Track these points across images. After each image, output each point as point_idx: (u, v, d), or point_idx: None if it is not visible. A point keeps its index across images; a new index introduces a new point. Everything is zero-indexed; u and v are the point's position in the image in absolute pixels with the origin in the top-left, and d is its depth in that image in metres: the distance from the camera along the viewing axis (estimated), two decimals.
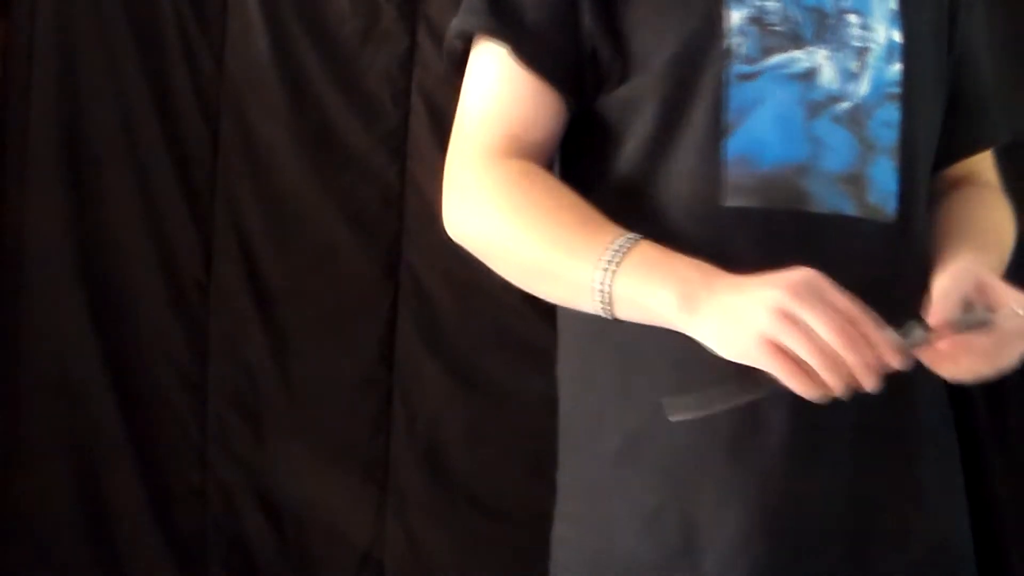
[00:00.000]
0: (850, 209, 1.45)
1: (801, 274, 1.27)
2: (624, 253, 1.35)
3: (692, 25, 1.46)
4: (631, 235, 1.36)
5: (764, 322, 1.25)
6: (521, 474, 2.95)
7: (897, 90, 1.48)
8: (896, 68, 1.48)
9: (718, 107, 1.44)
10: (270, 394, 3.03)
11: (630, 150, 1.49)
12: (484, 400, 2.98)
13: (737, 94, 1.45)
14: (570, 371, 1.57)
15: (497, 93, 1.52)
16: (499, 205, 1.47)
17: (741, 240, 1.43)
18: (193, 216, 3.03)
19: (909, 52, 1.49)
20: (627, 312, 1.36)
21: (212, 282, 3.05)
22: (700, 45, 1.46)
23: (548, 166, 1.52)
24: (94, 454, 3.03)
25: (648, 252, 1.35)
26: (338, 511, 3.01)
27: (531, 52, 1.50)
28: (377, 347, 3.01)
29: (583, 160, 1.53)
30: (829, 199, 1.45)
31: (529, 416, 2.98)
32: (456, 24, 1.56)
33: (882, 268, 1.45)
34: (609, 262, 1.35)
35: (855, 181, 1.46)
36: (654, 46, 1.47)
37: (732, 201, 1.44)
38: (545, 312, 3.12)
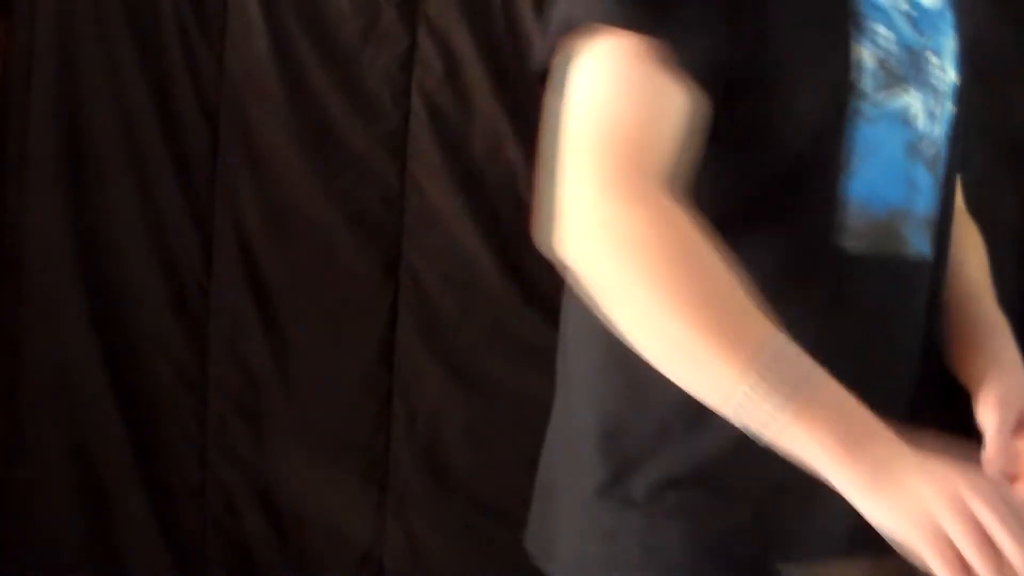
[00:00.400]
0: (928, 252, 1.45)
1: (982, 476, 1.23)
2: (784, 369, 1.23)
3: (825, 58, 1.40)
4: (789, 346, 1.24)
5: (940, 511, 1.19)
6: (521, 474, 2.95)
7: (950, 131, 1.47)
8: (950, 109, 1.47)
9: (842, 146, 1.39)
10: (270, 394, 3.03)
11: (748, 175, 1.41)
12: (484, 400, 2.98)
13: (861, 135, 1.40)
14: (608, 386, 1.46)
15: (639, 97, 1.34)
16: (642, 258, 1.28)
17: (854, 283, 1.41)
18: (193, 216, 3.03)
19: (961, 93, 1.48)
20: (768, 432, 1.23)
21: (212, 282, 3.05)
22: (831, 81, 1.41)
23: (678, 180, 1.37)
24: (94, 454, 3.03)
25: (814, 380, 1.23)
26: (338, 511, 3.01)
27: (687, 53, 1.34)
28: (377, 347, 3.01)
29: (711, 186, 1.41)
30: (918, 243, 1.44)
31: (529, 416, 2.98)
32: (575, 13, 1.36)
33: (925, 307, 1.46)
34: (763, 378, 1.22)
35: (933, 224, 1.45)
36: (787, 71, 1.39)
37: (848, 242, 1.40)
38: (545, 312, 3.13)
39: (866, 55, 1.40)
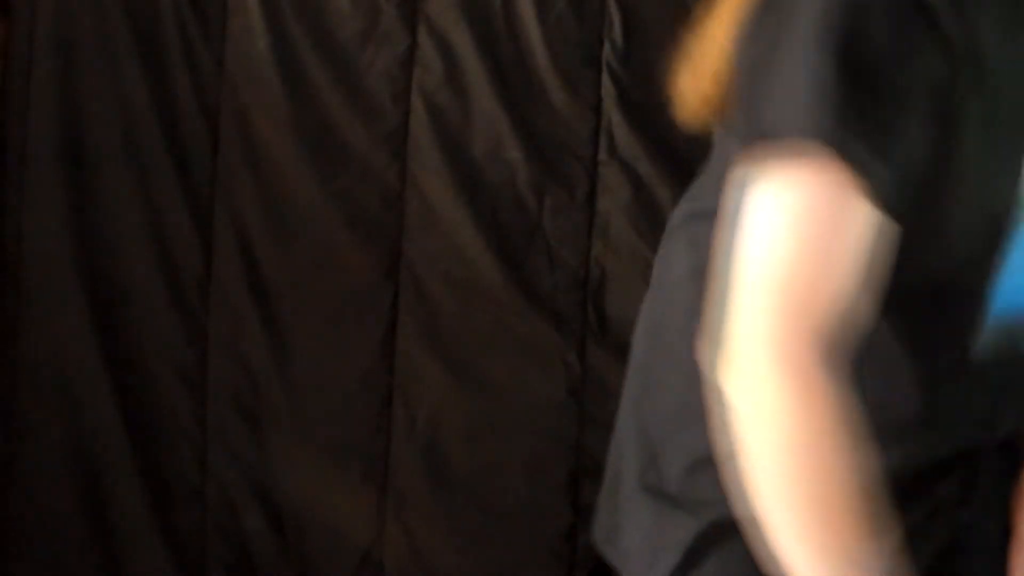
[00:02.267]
0: None
1: None
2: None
3: (1000, 170, 1.32)
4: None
5: None
6: (521, 474, 2.95)
7: None
8: None
9: (997, 255, 1.32)
10: (270, 394, 3.03)
11: (913, 279, 1.31)
12: (484, 400, 2.98)
13: (1018, 243, 1.33)
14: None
15: (824, 234, 1.22)
16: (785, 475, 1.25)
17: (974, 387, 1.36)
18: (193, 216, 3.03)
19: None
20: None
21: (212, 282, 3.05)
22: (1002, 192, 1.33)
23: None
24: (94, 454, 3.03)
25: None
26: (338, 511, 3.01)
27: (887, 185, 1.21)
28: (377, 347, 3.01)
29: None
30: None
31: (529, 416, 2.98)
32: (779, 122, 1.23)
33: None
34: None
35: None
36: (967, 181, 1.30)
37: (978, 350, 1.34)
38: (545, 312, 3.13)
39: None
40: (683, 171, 2.39)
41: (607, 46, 2.95)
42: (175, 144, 3.03)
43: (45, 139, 3.01)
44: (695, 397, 1.35)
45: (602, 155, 2.97)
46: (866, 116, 1.20)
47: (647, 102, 2.85)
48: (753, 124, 1.25)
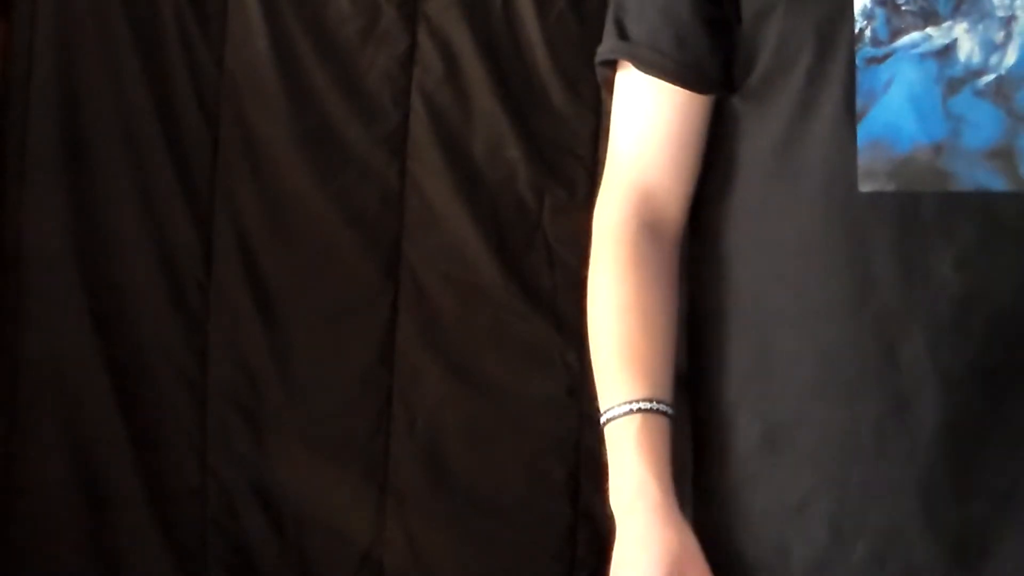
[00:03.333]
0: (999, 185, 1.42)
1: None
2: (610, 419, 1.46)
3: (821, 12, 1.45)
4: (636, 404, 1.45)
5: None
6: (521, 474, 2.95)
7: None
8: None
9: (849, 93, 1.43)
10: (270, 394, 3.03)
11: (763, 143, 1.48)
12: (484, 400, 2.98)
13: (867, 78, 1.43)
14: (704, 363, 1.55)
15: (630, 114, 1.53)
16: (601, 296, 1.52)
17: (879, 226, 1.42)
18: (193, 216, 3.03)
19: None
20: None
21: (212, 282, 3.05)
22: (829, 31, 1.44)
23: (696, 170, 1.53)
24: (94, 454, 3.03)
25: (613, 435, 1.45)
26: (338, 511, 3.01)
27: (655, 60, 1.51)
28: (377, 347, 3.01)
29: (715, 156, 1.53)
30: (972, 176, 1.42)
31: (529, 416, 2.98)
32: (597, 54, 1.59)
33: None
34: (605, 415, 1.47)
35: (1005, 155, 1.43)
36: (785, 35, 1.46)
37: (867, 186, 1.42)
38: (545, 312, 3.12)
39: (868, 1, 1.43)
40: None
41: None
42: (175, 144, 3.03)
43: (45, 139, 3.01)
44: None
45: (602, 155, 2.97)
46: (620, 22, 1.53)
47: None
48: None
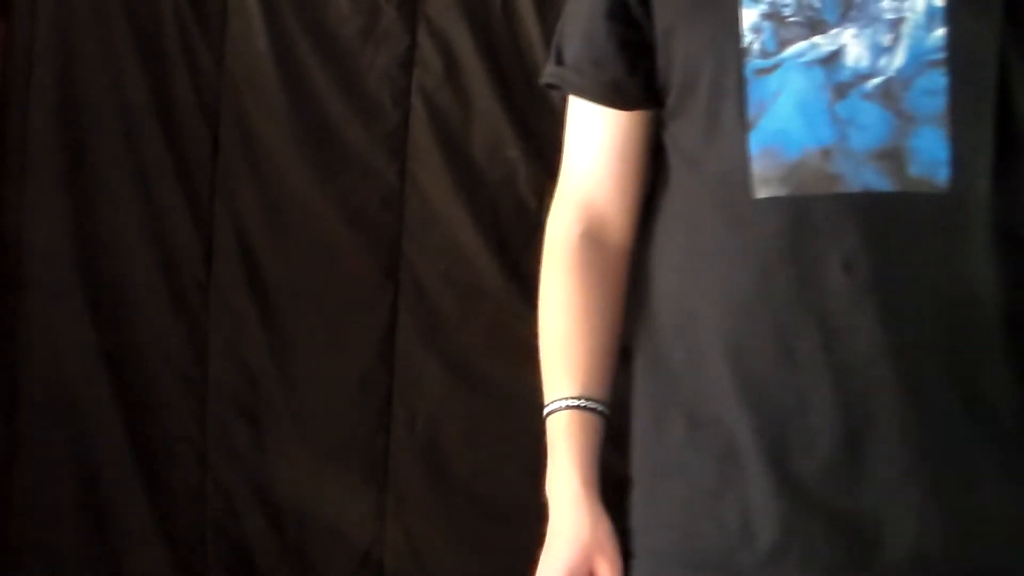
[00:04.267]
0: (884, 185, 1.46)
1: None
2: (549, 413, 1.58)
3: (713, 30, 1.51)
4: (565, 401, 1.57)
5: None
6: (521, 474, 2.95)
7: (942, 55, 1.47)
8: (939, 33, 1.47)
9: (741, 105, 1.49)
10: (270, 394, 3.03)
11: (682, 155, 1.56)
12: (484, 400, 2.98)
13: (756, 89, 1.48)
14: (643, 359, 1.64)
15: (575, 133, 1.65)
16: (547, 301, 1.64)
17: (774, 230, 1.47)
18: (193, 216, 3.03)
19: (954, 15, 1.48)
20: None
21: (212, 282, 3.05)
22: (723, 47, 1.50)
23: (639, 180, 1.62)
24: (94, 454, 3.03)
25: (550, 429, 1.57)
26: (338, 511, 3.01)
27: (577, 82, 1.62)
28: (377, 347, 3.01)
29: (656, 167, 1.61)
30: (860, 178, 1.46)
31: (529, 416, 2.97)
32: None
33: (935, 239, 1.46)
34: (546, 409, 1.59)
35: (892, 156, 1.46)
36: (688, 53, 1.53)
37: (762, 193, 1.48)
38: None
39: (750, 15, 1.49)
40: None
41: None
42: (175, 144, 3.03)
43: (45, 139, 3.02)
44: None
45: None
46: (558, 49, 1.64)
47: None
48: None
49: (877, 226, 1.46)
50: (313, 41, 3.00)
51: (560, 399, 1.58)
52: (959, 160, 1.47)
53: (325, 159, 3.00)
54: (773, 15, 1.49)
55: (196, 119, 3.03)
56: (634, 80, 1.58)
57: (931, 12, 1.48)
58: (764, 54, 1.49)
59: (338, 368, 3.01)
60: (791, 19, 1.48)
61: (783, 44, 1.49)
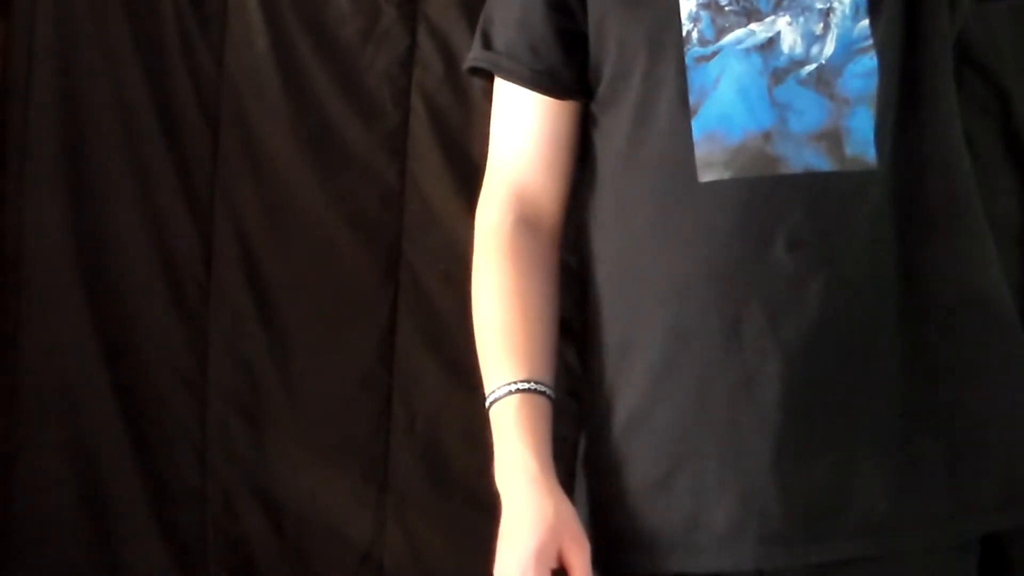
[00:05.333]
0: (824, 165, 1.52)
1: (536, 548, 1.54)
2: (493, 401, 1.63)
3: (650, 20, 1.56)
4: (512, 385, 1.61)
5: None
6: None
7: (869, 43, 1.54)
8: (864, 24, 1.54)
9: (682, 91, 1.54)
10: (270, 394, 3.03)
11: (614, 144, 1.61)
12: (484, 400, 2.97)
13: (697, 76, 1.54)
14: (588, 353, 1.70)
15: (504, 119, 1.69)
16: (482, 288, 1.73)
17: (719, 213, 1.52)
18: (193, 216, 3.03)
19: (875, 6, 1.55)
20: None
21: (212, 282, 3.05)
22: (659, 37, 1.56)
23: (569, 168, 1.66)
24: (94, 454, 3.03)
25: (496, 416, 1.61)
26: (338, 511, 3.01)
27: (513, 68, 1.67)
28: (377, 347, 3.01)
29: (585, 156, 1.66)
30: (801, 159, 1.52)
31: None
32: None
33: (873, 215, 1.51)
34: (489, 398, 1.64)
35: (830, 136, 1.52)
36: (622, 43, 1.58)
37: (706, 176, 1.53)
38: None
39: (688, 5, 1.54)
40: None
41: None
42: (175, 144, 3.03)
43: (45, 139, 3.02)
44: None
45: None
46: (485, 33, 1.67)
47: None
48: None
49: (819, 205, 1.53)
50: (313, 41, 3.00)
51: (505, 384, 1.64)
52: (879, 139, 1.54)
53: (325, 159, 3.00)
54: (710, 4, 1.55)
55: (196, 119, 3.03)
56: (569, 69, 1.62)
57: (857, 4, 1.55)
58: (703, 42, 1.54)
59: (338, 368, 3.01)
60: (727, 8, 1.55)
61: (721, 32, 1.54)
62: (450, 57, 2.98)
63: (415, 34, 2.98)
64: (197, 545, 3.05)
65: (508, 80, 1.68)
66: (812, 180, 1.50)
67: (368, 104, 2.99)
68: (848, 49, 1.52)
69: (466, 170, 2.99)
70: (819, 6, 1.52)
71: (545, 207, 1.67)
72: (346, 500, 3.01)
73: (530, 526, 1.56)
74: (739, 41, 1.52)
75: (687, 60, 1.52)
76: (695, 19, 1.52)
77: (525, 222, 1.67)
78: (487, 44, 1.72)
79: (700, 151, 1.51)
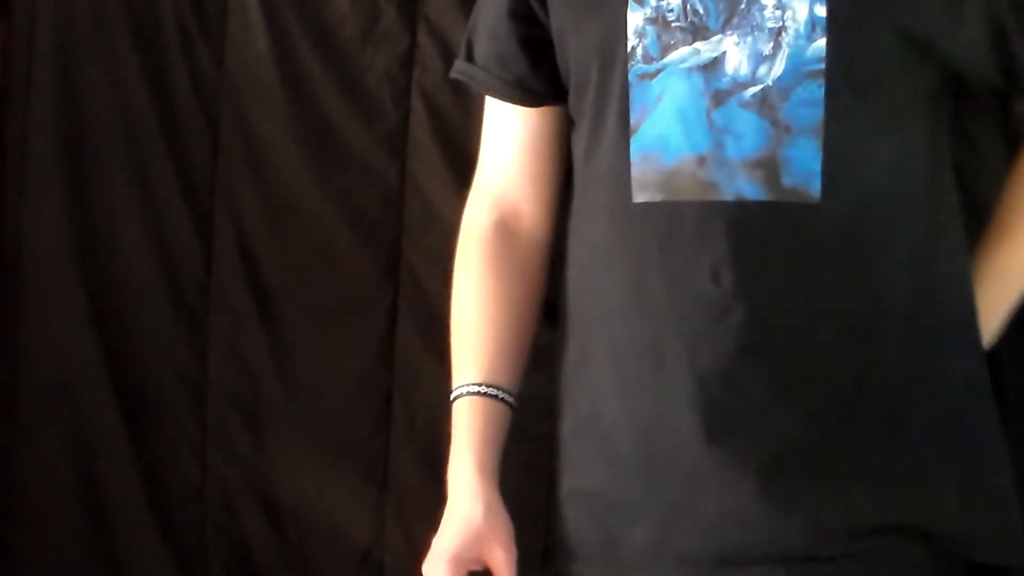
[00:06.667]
0: (757, 194, 1.47)
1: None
2: (452, 401, 1.63)
3: (600, 33, 1.53)
4: (467, 387, 1.61)
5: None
6: (520, 474, 2.94)
7: (820, 66, 1.47)
8: (819, 44, 1.47)
9: (624, 108, 1.51)
10: (270, 394, 3.03)
11: (576, 155, 1.60)
12: None
13: (639, 93, 1.50)
14: (556, 358, 1.68)
15: (488, 126, 1.69)
16: (457, 289, 1.69)
17: (649, 235, 1.50)
18: (193, 216, 3.03)
19: (836, 25, 1.47)
20: None
21: (212, 282, 3.05)
22: (608, 51, 1.52)
23: (552, 174, 1.64)
24: (94, 454, 3.03)
25: (453, 416, 1.61)
26: (338, 511, 3.01)
27: (484, 79, 1.66)
28: (377, 347, 3.01)
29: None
30: (734, 186, 1.47)
31: (528, 416, 2.97)
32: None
33: (807, 249, 1.47)
34: (451, 398, 1.64)
35: (766, 165, 1.47)
36: (579, 56, 1.56)
37: (640, 197, 1.50)
38: (544, 312, 3.10)
39: (635, 19, 1.50)
40: None
41: None
42: (175, 144, 3.03)
43: (45, 139, 3.02)
44: None
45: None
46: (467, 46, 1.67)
47: None
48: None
49: (747, 235, 1.48)
50: (313, 41, 3.00)
51: (463, 385, 1.61)
52: (829, 172, 1.46)
53: (325, 159, 3.00)
54: (657, 19, 1.50)
55: (196, 119, 3.03)
56: (538, 78, 1.61)
57: (812, 22, 1.47)
58: (648, 59, 1.50)
59: (338, 368, 3.01)
60: (675, 24, 1.50)
61: (666, 49, 1.50)
62: (450, 57, 2.96)
63: (415, 34, 2.98)
64: (197, 545, 3.05)
65: (482, 91, 1.68)
66: (743, 209, 1.45)
67: (368, 104, 2.99)
68: (798, 71, 1.45)
69: (466, 170, 2.97)
70: (770, 25, 1.46)
71: (526, 212, 1.65)
72: (346, 500, 3.01)
73: (455, 527, 1.62)
74: (683, 60, 1.48)
75: (630, 77, 1.49)
76: (640, 34, 1.49)
77: (505, 227, 1.65)
78: (469, 55, 1.72)
79: (636, 171, 1.49)
